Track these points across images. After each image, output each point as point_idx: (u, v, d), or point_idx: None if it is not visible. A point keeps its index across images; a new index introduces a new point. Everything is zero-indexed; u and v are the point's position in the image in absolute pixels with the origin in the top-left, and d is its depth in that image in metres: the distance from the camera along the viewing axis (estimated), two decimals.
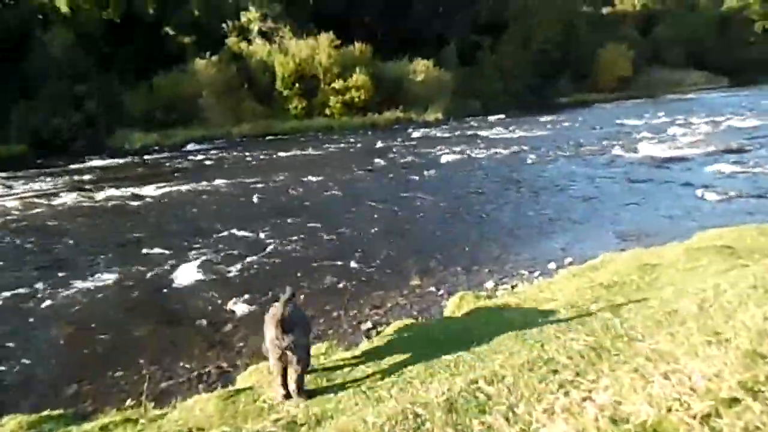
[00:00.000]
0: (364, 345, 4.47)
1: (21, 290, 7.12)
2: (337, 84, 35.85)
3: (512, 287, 6.16)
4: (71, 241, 9.80)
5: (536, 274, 6.61)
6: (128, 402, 4.20)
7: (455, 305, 5.28)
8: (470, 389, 3.03)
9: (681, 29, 64.09)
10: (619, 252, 6.87)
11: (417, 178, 14.83)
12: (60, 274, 7.75)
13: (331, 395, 3.46)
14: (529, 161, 16.06)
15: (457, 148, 20.02)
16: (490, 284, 6.35)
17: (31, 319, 6.26)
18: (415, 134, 27.15)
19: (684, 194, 10.71)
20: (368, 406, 3.14)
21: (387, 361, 3.91)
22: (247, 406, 3.55)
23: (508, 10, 50.50)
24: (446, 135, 26.06)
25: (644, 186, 11.85)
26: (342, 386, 3.58)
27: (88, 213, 12.31)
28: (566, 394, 2.79)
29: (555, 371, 3.09)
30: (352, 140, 26.59)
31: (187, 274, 7.50)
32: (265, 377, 4.33)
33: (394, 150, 21.69)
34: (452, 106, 38.70)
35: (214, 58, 35.28)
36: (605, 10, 69.83)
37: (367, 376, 3.68)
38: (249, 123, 32.98)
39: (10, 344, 5.66)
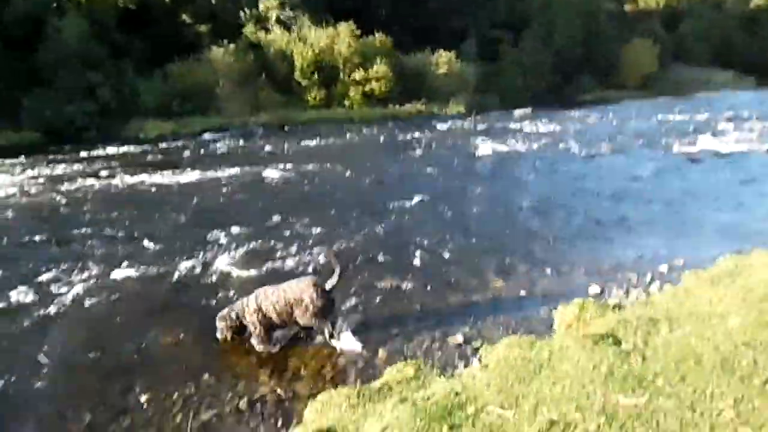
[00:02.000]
0: (474, 370, 3.32)
1: (23, 287, 5.99)
2: (358, 74, 34.68)
3: (626, 293, 4.99)
4: (83, 231, 8.67)
5: (648, 278, 5.41)
6: None
7: (573, 316, 4.12)
8: None
9: (707, 26, 62.26)
10: (736, 254, 5.68)
11: (458, 170, 13.64)
12: (68, 268, 6.65)
13: None
14: (575, 156, 14.82)
15: (491, 142, 18.78)
16: (594, 289, 5.17)
17: (36, 321, 5.16)
18: (441, 126, 25.92)
19: None
20: None
21: (528, 401, 2.77)
22: None
23: (529, 6, 49.14)
24: (474, 128, 24.82)
25: (719, 181, 10.60)
26: None
27: (102, 201, 11.24)
28: None
29: None
30: (375, 131, 25.43)
31: (215, 272, 6.38)
32: (346, 414, 3.20)
33: (423, 142, 20.47)
34: (474, 100, 37.49)
35: (231, 46, 34.18)
36: (628, 7, 68.17)
37: (509, 426, 2.53)
38: (267, 112, 31.84)
39: (7, 352, 4.57)
